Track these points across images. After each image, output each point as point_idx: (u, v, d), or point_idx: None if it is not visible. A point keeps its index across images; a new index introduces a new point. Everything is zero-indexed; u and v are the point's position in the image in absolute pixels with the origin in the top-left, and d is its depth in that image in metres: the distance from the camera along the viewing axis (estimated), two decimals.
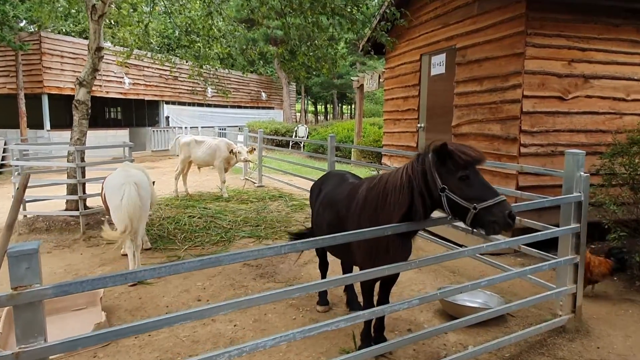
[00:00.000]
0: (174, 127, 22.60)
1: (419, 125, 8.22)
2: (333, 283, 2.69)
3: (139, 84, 21.21)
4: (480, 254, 4.90)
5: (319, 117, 56.47)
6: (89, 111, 7.95)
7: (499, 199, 2.54)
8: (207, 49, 9.66)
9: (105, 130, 20.42)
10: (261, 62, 32.72)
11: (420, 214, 2.80)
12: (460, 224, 2.79)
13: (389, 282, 3.49)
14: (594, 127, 6.14)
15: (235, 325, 4.24)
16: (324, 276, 4.63)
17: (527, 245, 4.20)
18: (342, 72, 35.15)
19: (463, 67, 6.89)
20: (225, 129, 23.19)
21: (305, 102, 49.84)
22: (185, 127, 22.47)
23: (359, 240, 2.86)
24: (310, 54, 7.96)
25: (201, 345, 3.93)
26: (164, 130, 22.15)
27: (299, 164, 11.06)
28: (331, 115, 54.29)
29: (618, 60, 6.11)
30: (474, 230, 2.66)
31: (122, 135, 20.46)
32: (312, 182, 4.51)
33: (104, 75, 19.08)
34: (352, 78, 15.65)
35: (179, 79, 20.89)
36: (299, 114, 41.89)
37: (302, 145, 20.04)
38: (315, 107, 58.46)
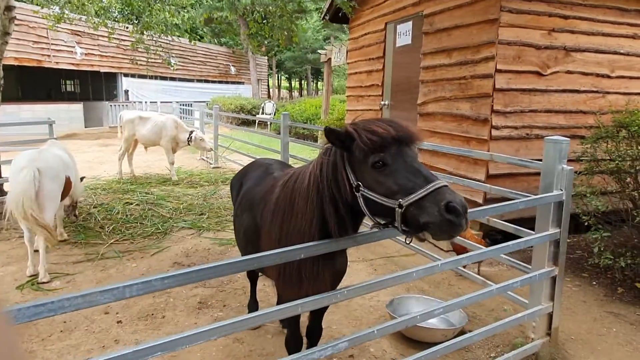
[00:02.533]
0: (134, 102, 21.19)
1: (382, 102, 7.40)
2: (239, 325, 1.85)
3: (93, 54, 19.63)
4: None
5: (293, 94, 55.02)
6: (2, 83, 6.81)
7: (433, 186, 1.69)
8: (154, 16, 8.52)
9: (57, 104, 18.91)
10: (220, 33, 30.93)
11: (334, 229, 2.01)
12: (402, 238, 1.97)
13: (319, 308, 2.71)
14: (574, 107, 5.43)
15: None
16: (253, 286, 3.84)
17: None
18: (316, 47, 33.86)
19: (431, 36, 6.05)
20: (191, 105, 21.92)
21: (279, 77, 48.34)
22: (146, 102, 21.09)
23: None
24: (264, 21, 6.99)
25: None
26: (122, 105, 20.72)
27: (251, 143, 10.11)
28: (305, 92, 52.90)
29: (603, 30, 5.37)
30: (410, 237, 1.84)
31: (75, 109, 19.02)
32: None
33: (52, 44, 17.52)
34: (319, 51, 14.63)
35: (139, 50, 19.40)
36: (271, 90, 40.51)
37: (269, 124, 19.01)
38: (290, 83, 56.91)
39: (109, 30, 8.82)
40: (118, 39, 18.93)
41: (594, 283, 4.32)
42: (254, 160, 3.54)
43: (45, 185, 4.59)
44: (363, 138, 1.80)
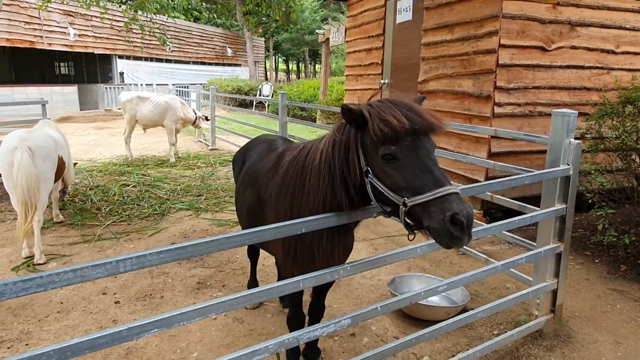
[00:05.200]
0: (129, 84, 20.93)
1: (382, 81, 7.26)
2: (238, 302, 1.78)
3: (87, 35, 19.30)
4: None
5: (291, 76, 54.45)
6: None
7: (442, 192, 1.60)
8: None
9: (51, 86, 18.66)
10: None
11: (345, 206, 1.93)
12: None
13: (324, 285, 2.65)
14: (578, 84, 5.32)
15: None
16: (253, 265, 3.79)
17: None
18: (313, 28, 33.33)
19: (432, 12, 5.89)
20: (187, 87, 21.66)
21: (276, 59, 47.79)
22: (141, 85, 20.82)
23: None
24: None
25: (89, 358, 3.06)
26: (117, 88, 20.48)
27: (249, 125, 9.97)
28: (303, 74, 52.34)
29: (609, 4, 5.23)
30: (413, 232, 1.77)
31: (69, 92, 18.79)
32: None
33: (44, 25, 17.20)
34: (317, 31, 14.38)
35: (134, 30, 19.03)
36: (269, 72, 40.04)
37: (266, 105, 18.81)
38: (287, 65, 56.28)
39: (101, 10, 8.60)
40: (112, 19, 18.63)
41: (597, 261, 4.28)
42: (257, 136, 3.44)
43: (37, 166, 4.50)
44: (375, 128, 1.70)
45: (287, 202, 2.17)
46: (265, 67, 38.43)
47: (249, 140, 3.48)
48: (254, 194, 2.62)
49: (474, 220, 1.71)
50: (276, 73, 46.63)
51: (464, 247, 4.07)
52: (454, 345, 3.06)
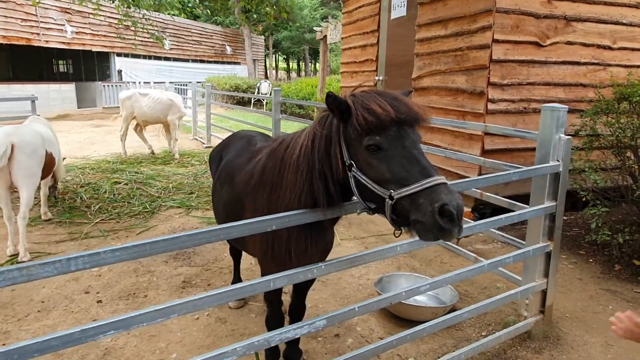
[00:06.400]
0: (127, 82, 20.83)
1: (377, 78, 7.17)
2: (202, 303, 1.69)
3: (84, 32, 19.19)
4: None
5: (291, 74, 54.35)
6: None
7: (430, 182, 1.52)
8: None
9: (48, 84, 18.54)
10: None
11: (323, 203, 1.85)
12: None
13: (303, 284, 2.57)
14: (573, 80, 5.22)
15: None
16: (237, 264, 3.71)
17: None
18: (313, 26, 33.20)
19: (426, 7, 5.80)
20: (186, 85, 21.57)
21: (276, 57, 47.69)
22: (139, 83, 20.73)
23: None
24: None
25: (65, 359, 2.99)
26: (116, 85, 20.38)
27: (246, 122, 9.89)
28: (303, 73, 52.21)
29: None
30: (399, 229, 1.69)
31: (67, 90, 18.68)
32: None
33: (41, 22, 17.11)
34: (314, 28, 14.29)
35: (131, 28, 18.89)
36: (269, 70, 39.92)
37: (264, 103, 18.72)
38: (288, 64, 56.20)
39: (94, 6, 8.52)
40: (110, 17, 18.55)
41: (591, 260, 4.19)
42: (235, 132, 3.36)
43: (22, 162, 4.42)
44: (359, 117, 1.61)
45: (265, 198, 2.09)
46: (265, 66, 38.31)
47: None
48: (231, 191, 2.54)
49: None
50: (276, 71, 46.54)
51: (457, 246, 4.01)
52: (440, 347, 2.97)
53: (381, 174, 1.61)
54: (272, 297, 2.46)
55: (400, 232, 1.68)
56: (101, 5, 9.13)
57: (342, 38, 8.76)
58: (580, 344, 2.91)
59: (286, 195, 1.95)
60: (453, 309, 3.16)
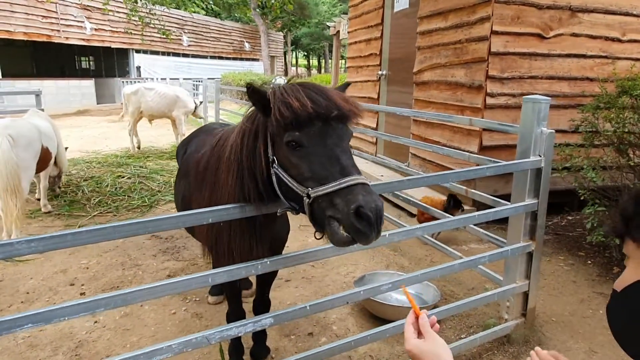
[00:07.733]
0: (146, 78, 21.12)
1: (380, 72, 7.03)
2: (133, 297, 1.64)
3: (103, 29, 19.54)
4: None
5: (312, 71, 54.28)
6: None
7: (347, 182, 1.43)
8: None
9: (68, 80, 18.95)
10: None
11: (254, 202, 1.77)
12: None
13: (264, 277, 2.50)
14: (579, 74, 5.00)
15: (95, 322, 3.29)
16: None
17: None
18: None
19: None
20: (201, 81, 21.73)
21: (295, 54, 47.68)
22: (158, 79, 20.99)
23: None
24: None
25: (39, 350, 2.99)
26: (135, 82, 20.67)
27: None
28: (324, 70, 52.07)
29: None
30: (321, 232, 1.57)
31: (86, 86, 19.06)
32: None
33: (62, 18, 17.46)
34: (327, 24, 14.16)
35: (151, 25, 19.03)
36: (288, 66, 39.91)
37: None
38: (308, 60, 56.18)
39: (104, 1, 8.62)
40: (128, 13, 18.85)
41: (589, 262, 4.00)
42: (202, 125, 3.32)
43: (17, 154, 4.48)
44: (276, 111, 1.52)
45: (207, 197, 2.05)
46: (285, 62, 38.33)
47: None
48: (187, 185, 2.50)
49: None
50: (296, 68, 46.52)
51: (445, 246, 3.87)
52: None
53: (300, 172, 1.53)
54: (230, 295, 2.41)
55: (322, 235, 1.57)
56: (111, 1, 9.20)
57: (348, 32, 8.63)
58: (563, 350, 2.76)
59: (223, 195, 1.89)
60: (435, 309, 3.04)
